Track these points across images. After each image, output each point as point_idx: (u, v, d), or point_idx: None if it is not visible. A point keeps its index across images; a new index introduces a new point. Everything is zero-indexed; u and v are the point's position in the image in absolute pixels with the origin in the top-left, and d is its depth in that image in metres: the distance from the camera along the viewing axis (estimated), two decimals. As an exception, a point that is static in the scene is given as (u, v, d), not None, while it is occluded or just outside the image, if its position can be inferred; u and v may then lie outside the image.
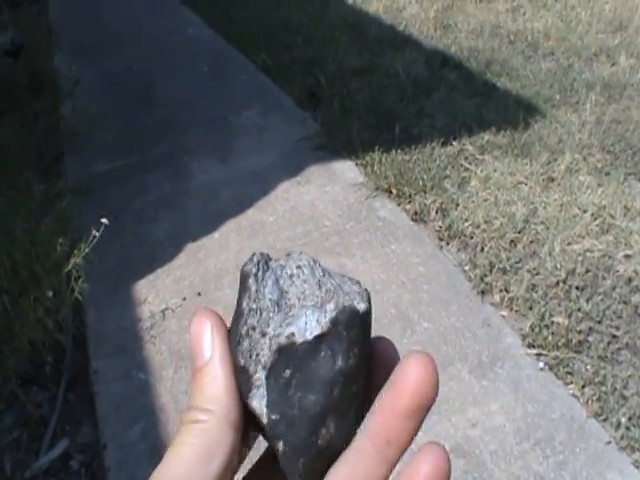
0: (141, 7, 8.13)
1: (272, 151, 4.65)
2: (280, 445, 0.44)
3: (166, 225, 3.99)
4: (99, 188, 4.34)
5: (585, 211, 3.86)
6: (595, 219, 3.80)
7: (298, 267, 0.46)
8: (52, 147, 4.94)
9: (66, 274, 3.34)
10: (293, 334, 0.43)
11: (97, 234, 3.32)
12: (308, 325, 0.44)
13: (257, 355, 0.44)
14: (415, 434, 0.43)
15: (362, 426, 0.44)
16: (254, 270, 0.45)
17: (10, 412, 2.93)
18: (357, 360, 0.44)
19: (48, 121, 5.19)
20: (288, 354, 0.44)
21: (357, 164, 4.43)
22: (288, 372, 0.44)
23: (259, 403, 0.44)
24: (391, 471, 0.44)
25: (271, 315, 0.44)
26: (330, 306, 0.44)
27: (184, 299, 3.40)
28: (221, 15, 7.43)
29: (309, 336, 0.43)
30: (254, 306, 0.45)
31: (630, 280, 3.40)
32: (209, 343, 0.45)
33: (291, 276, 0.46)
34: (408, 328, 3.10)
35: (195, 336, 0.46)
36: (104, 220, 3.38)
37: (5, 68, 5.48)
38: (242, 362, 0.44)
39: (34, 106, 5.29)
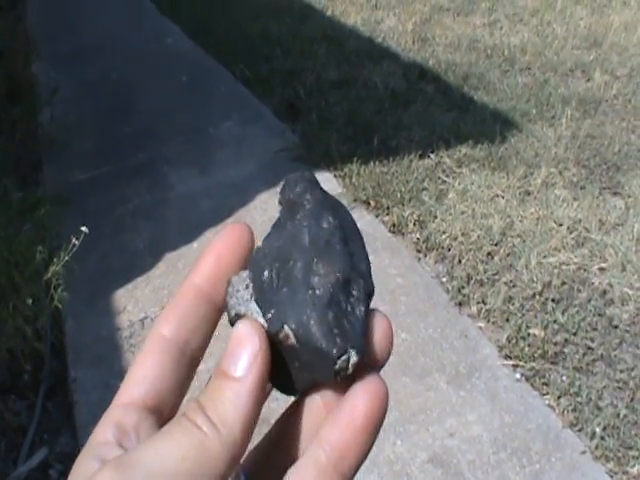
0: (121, 16, 8.12)
1: (251, 162, 4.66)
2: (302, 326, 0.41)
3: (145, 235, 3.99)
4: (78, 197, 4.33)
5: (561, 224, 3.90)
6: (571, 232, 3.84)
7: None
8: (30, 155, 4.92)
9: (45, 282, 3.33)
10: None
11: (77, 242, 3.32)
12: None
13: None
14: (369, 448, 0.43)
15: (318, 438, 0.43)
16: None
17: (-12, 421, 2.92)
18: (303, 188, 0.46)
19: (26, 129, 5.16)
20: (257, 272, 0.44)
21: (335, 176, 4.45)
22: (266, 273, 0.44)
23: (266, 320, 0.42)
24: None
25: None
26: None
27: (163, 308, 3.40)
28: (200, 25, 7.43)
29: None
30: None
31: (605, 292, 3.44)
32: (247, 360, 0.40)
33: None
34: (386, 339, 3.11)
35: (237, 339, 0.41)
36: (84, 228, 3.37)
37: (-17, 76, 5.47)
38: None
39: (12, 114, 5.26)
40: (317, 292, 0.42)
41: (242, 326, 0.41)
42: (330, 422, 0.42)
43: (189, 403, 0.41)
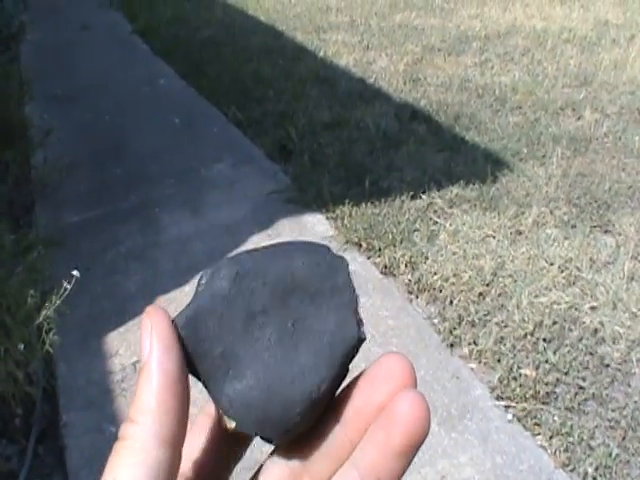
0: (114, 57, 8.17)
1: (243, 204, 4.68)
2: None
3: (137, 277, 3.99)
4: (70, 239, 4.34)
5: (552, 264, 3.91)
6: (562, 271, 3.85)
7: None
8: (23, 197, 4.93)
9: (37, 326, 3.33)
10: None
11: (68, 286, 3.31)
12: None
13: None
14: (405, 471, 0.42)
15: (353, 461, 0.43)
16: None
17: (-21, 466, 2.91)
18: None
19: (19, 171, 5.18)
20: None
21: (327, 217, 4.46)
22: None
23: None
24: None
25: None
26: None
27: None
28: (193, 67, 7.49)
29: None
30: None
31: (596, 331, 3.45)
32: (146, 340, 0.41)
33: None
34: (378, 380, 3.10)
35: (141, 336, 0.42)
36: (75, 272, 3.37)
37: (-24, 118, 5.49)
38: None
39: (5, 155, 5.28)
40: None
41: (141, 324, 0.42)
42: (365, 443, 0.43)
43: None
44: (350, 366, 0.46)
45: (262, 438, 0.45)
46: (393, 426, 0.41)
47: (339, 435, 0.44)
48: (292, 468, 0.45)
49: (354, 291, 0.45)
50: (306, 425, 0.44)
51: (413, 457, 0.42)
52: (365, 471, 0.42)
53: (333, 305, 0.44)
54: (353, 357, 0.45)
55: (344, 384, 0.46)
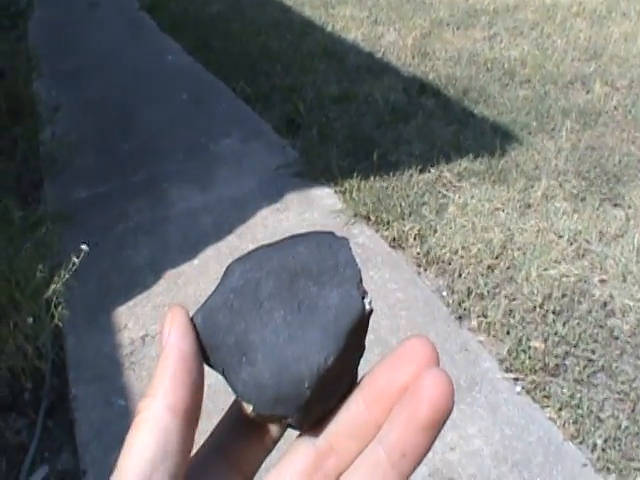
0: (122, 34, 8.14)
1: (251, 178, 4.67)
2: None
3: (146, 252, 3.99)
4: (79, 214, 4.34)
5: (561, 236, 3.90)
6: (571, 244, 3.84)
7: None
8: (32, 173, 4.93)
9: (46, 300, 3.33)
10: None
11: (77, 261, 3.32)
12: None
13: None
14: (430, 447, 0.43)
15: (379, 439, 0.44)
16: None
17: (-12, 439, 2.92)
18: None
19: (27, 147, 5.18)
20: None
21: (336, 191, 4.45)
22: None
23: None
24: None
25: None
26: None
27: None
28: (201, 42, 7.45)
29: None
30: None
31: (605, 304, 3.44)
32: (167, 331, 0.46)
33: None
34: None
35: (162, 327, 0.46)
36: (84, 247, 3.38)
37: (-16, 94, 5.49)
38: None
39: (13, 132, 5.29)
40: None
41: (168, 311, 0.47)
42: (391, 421, 0.44)
43: None
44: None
45: (288, 425, 0.47)
46: (418, 401, 0.42)
47: (364, 416, 0.46)
48: (318, 448, 0.47)
49: (357, 266, 0.48)
50: (323, 403, 0.46)
51: (438, 433, 0.42)
52: (390, 446, 0.43)
53: (336, 282, 0.47)
54: (365, 330, 0.47)
55: (369, 367, 0.47)
